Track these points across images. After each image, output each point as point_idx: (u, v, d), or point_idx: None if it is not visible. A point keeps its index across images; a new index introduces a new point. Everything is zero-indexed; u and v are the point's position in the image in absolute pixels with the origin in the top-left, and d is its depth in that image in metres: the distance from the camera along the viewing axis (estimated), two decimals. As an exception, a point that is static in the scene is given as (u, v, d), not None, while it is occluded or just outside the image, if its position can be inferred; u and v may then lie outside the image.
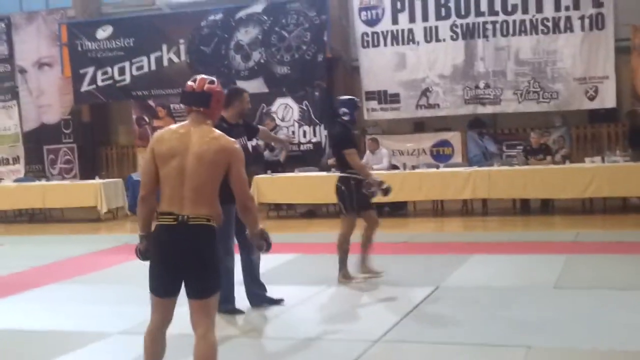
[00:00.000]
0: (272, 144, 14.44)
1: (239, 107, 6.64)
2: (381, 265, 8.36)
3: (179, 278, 3.92)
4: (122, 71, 16.93)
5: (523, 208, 13.44)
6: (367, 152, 13.99)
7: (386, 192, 7.45)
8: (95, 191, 14.36)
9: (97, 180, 14.75)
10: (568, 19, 14.41)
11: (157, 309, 4.05)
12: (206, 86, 4.05)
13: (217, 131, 4.05)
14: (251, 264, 6.64)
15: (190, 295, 3.94)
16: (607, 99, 14.36)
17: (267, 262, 8.73)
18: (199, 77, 4.13)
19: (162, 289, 3.99)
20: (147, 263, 4.02)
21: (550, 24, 14.52)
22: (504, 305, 6.33)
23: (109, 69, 16.98)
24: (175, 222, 3.89)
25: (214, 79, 4.12)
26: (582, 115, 14.99)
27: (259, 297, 6.67)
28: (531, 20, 14.59)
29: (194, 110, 4.05)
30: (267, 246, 4.21)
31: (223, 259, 6.52)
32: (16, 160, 18.03)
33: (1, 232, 14.09)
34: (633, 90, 14.41)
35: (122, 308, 6.58)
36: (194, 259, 3.88)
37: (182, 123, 4.08)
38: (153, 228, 4.04)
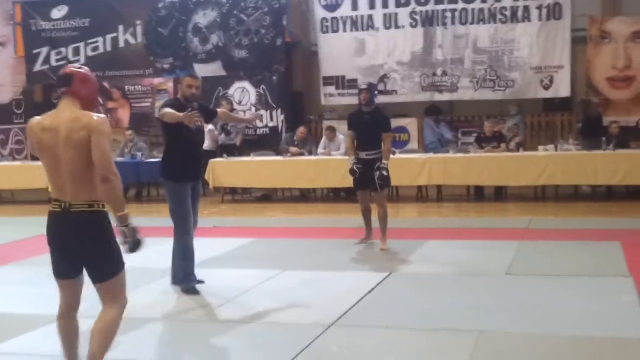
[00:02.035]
0: (230, 124, 14.39)
1: (180, 90, 6.74)
2: (337, 250, 8.40)
3: (73, 262, 3.95)
4: (76, 51, 16.66)
5: (477, 195, 13.57)
6: (324, 138, 13.98)
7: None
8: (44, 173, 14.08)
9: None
10: (526, 8, 14.55)
11: (61, 291, 4.08)
12: (70, 69, 4.10)
13: (82, 111, 3.96)
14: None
15: (90, 278, 4.00)
16: (562, 88, 14.56)
17: (221, 246, 8.74)
18: (67, 65, 4.27)
19: (60, 271, 4.01)
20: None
21: (508, 13, 14.64)
22: (457, 291, 6.39)
23: (63, 49, 16.70)
24: (59, 209, 3.91)
25: (84, 67, 4.20)
26: (536, 104, 15.17)
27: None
28: (489, 9, 14.70)
29: (61, 93, 4.03)
30: (132, 242, 3.97)
31: (181, 239, 6.54)
32: (-34, 139, 17.70)
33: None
34: (587, 80, 14.62)
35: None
36: (82, 246, 3.89)
37: (51, 111, 4.05)
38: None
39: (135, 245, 3.98)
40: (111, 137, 3.97)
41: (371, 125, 8.31)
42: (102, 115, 3.98)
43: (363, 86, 8.60)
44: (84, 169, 3.85)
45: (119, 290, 4.02)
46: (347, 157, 8.77)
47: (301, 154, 13.83)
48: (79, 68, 4.15)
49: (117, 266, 3.99)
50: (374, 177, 8.25)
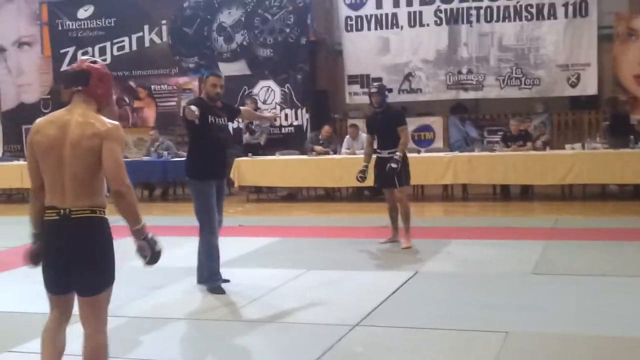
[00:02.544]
0: (254, 123, 14.45)
1: (204, 89, 6.75)
2: (362, 249, 8.40)
3: (68, 274, 3.61)
4: (103, 51, 16.76)
5: (503, 194, 13.48)
6: (347, 137, 13.98)
7: None
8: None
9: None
10: (552, 5, 14.43)
11: (53, 305, 3.75)
12: (86, 64, 3.73)
13: (96, 115, 3.65)
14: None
15: (76, 291, 3.65)
16: (589, 86, 14.43)
17: (246, 245, 8.76)
18: (80, 59, 3.84)
19: (54, 286, 3.69)
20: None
21: (534, 11, 14.53)
22: (483, 291, 6.35)
23: (89, 49, 16.81)
24: (57, 217, 3.57)
25: (98, 60, 3.84)
26: (563, 102, 15.04)
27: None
28: (515, 7, 14.60)
29: (74, 91, 3.69)
30: (151, 256, 3.65)
31: (206, 238, 6.57)
32: (-5, 139, 17.89)
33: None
34: (614, 77, 14.47)
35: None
36: (79, 253, 3.56)
37: (62, 109, 3.71)
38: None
39: (154, 258, 3.67)
40: (124, 145, 3.68)
41: (386, 124, 8.40)
42: (116, 123, 3.64)
43: (373, 89, 8.63)
44: (90, 175, 3.56)
45: (104, 308, 3.68)
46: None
47: (326, 152, 13.82)
48: (94, 62, 3.78)
49: (107, 280, 3.66)
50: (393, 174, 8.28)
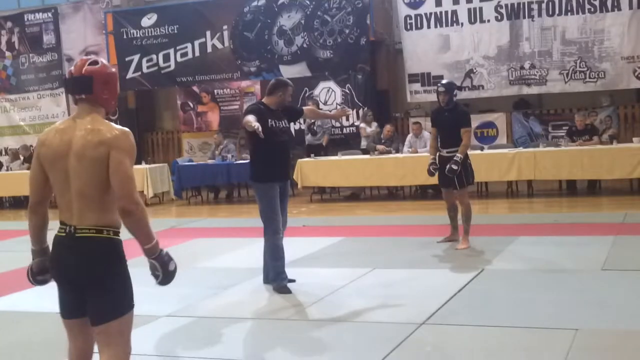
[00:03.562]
0: (317, 124, 14.55)
1: (281, 97, 6.78)
2: (427, 248, 8.38)
3: (78, 297, 3.29)
4: (166, 58, 17.07)
5: (569, 189, 13.27)
6: (410, 135, 13.95)
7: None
8: (141, 176, 14.44)
9: (143, 165, 14.87)
10: (615, -3, 14.14)
11: (69, 334, 3.42)
12: (85, 68, 3.32)
13: (103, 121, 3.31)
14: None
15: (89, 318, 3.32)
16: (656, 77, 14.09)
17: (311, 245, 8.82)
18: (80, 59, 3.42)
19: (64, 308, 3.38)
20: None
21: (597, 3, 14.25)
22: (551, 288, 6.27)
23: (153, 56, 17.14)
24: (64, 234, 3.28)
25: (98, 59, 3.41)
26: (629, 95, 14.74)
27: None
28: (578, 0, 14.34)
29: (78, 99, 3.36)
30: (162, 275, 3.30)
31: (271, 239, 6.65)
32: (64, 147, 18.33)
33: (51, 217, 14.33)
34: (682, 68, 14.10)
35: (167, 291, 6.67)
36: (82, 277, 3.25)
37: (69, 117, 3.42)
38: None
39: (166, 278, 3.32)
40: (134, 154, 3.28)
41: (450, 123, 8.29)
42: (126, 129, 3.30)
43: (441, 88, 8.46)
44: (96, 188, 3.22)
45: (120, 337, 3.31)
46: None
47: (388, 152, 13.81)
48: (94, 63, 3.35)
49: (121, 306, 3.29)
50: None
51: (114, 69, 3.48)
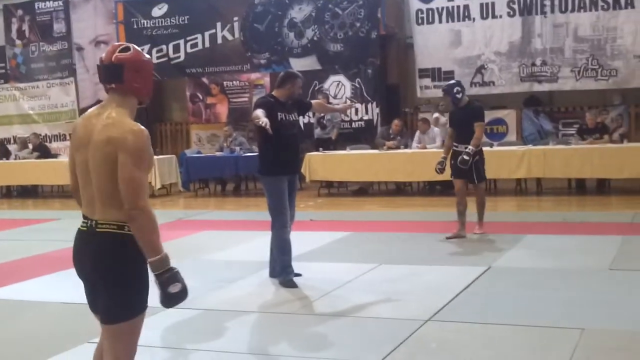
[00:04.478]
0: (326, 117, 14.52)
1: (290, 90, 6.76)
2: (434, 244, 8.35)
3: (93, 292, 3.22)
4: (176, 49, 17.06)
5: (579, 188, 13.21)
6: (418, 132, 13.89)
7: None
8: (149, 167, 14.41)
9: (152, 157, 14.84)
10: (629, -6, 14.04)
11: (100, 327, 3.28)
12: (115, 56, 3.18)
13: (122, 117, 3.14)
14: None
15: (99, 315, 3.21)
16: (668, 76, 13.99)
17: (318, 240, 8.80)
18: (111, 46, 3.28)
19: (89, 303, 3.28)
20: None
21: (610, 0, 14.14)
22: (558, 287, 6.24)
23: (163, 47, 17.13)
24: (86, 228, 3.18)
25: (129, 45, 3.26)
26: (641, 94, 14.64)
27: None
28: (590, -3, 14.26)
29: (109, 88, 3.23)
30: (161, 296, 3.08)
31: (278, 233, 6.63)
32: (73, 136, 18.35)
33: (58, 207, 14.38)
34: (695, 67, 14.00)
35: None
36: (99, 274, 3.13)
37: (97, 106, 3.31)
38: None
39: (166, 301, 3.09)
40: (142, 156, 3.08)
41: (464, 119, 8.58)
42: (138, 129, 3.10)
43: (442, 92, 9.07)
44: (113, 184, 3.07)
45: (122, 340, 3.17)
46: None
47: (397, 147, 13.77)
48: (125, 50, 3.21)
49: (131, 308, 3.14)
50: (471, 168, 8.47)
51: (147, 57, 3.33)
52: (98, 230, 3.11)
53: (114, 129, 3.08)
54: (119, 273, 3.10)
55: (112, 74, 3.19)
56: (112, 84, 3.20)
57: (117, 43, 3.31)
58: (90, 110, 3.30)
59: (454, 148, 8.64)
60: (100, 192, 3.11)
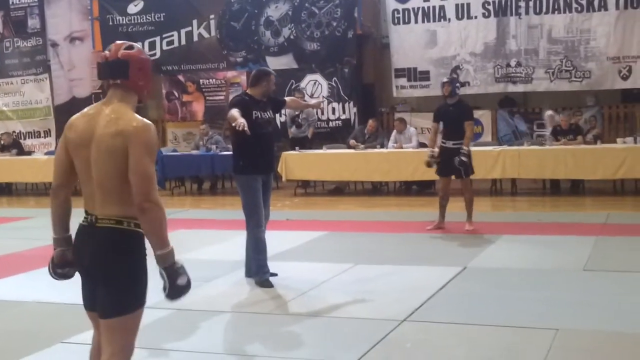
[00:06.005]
0: (301, 116, 14.51)
1: (265, 87, 6.77)
2: (410, 244, 8.38)
3: (93, 288, 3.23)
4: (152, 46, 16.94)
5: (553, 188, 13.31)
6: (394, 132, 13.92)
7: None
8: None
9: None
10: (603, -4, 14.17)
11: (93, 325, 3.34)
12: (121, 52, 3.25)
13: (128, 111, 3.19)
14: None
15: (97, 310, 3.22)
16: (641, 78, 14.13)
17: (294, 239, 8.79)
18: (114, 44, 3.32)
19: (84, 299, 3.31)
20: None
21: (584, 2, 14.24)
22: (533, 287, 6.29)
23: (139, 44, 16.86)
24: (86, 223, 3.23)
25: (134, 44, 3.37)
26: (614, 95, 14.77)
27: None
28: (565, -2, 14.36)
29: (112, 84, 3.26)
30: (169, 289, 3.14)
31: (253, 232, 6.61)
32: (47, 133, 18.17)
33: (32, 205, 14.26)
34: (668, 70, 14.15)
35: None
36: (98, 268, 3.16)
37: (98, 102, 3.33)
38: None
39: (173, 292, 3.16)
40: (154, 149, 3.16)
41: (455, 116, 8.92)
42: (147, 122, 3.15)
43: (445, 79, 9.49)
44: (115, 179, 3.12)
45: (121, 335, 3.18)
46: (425, 150, 9.24)
47: (372, 147, 13.79)
48: (130, 48, 3.30)
49: (129, 303, 3.18)
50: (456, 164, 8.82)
51: (148, 56, 3.41)
52: (97, 225, 3.17)
53: (122, 122, 3.12)
54: (118, 267, 3.14)
55: (117, 69, 3.23)
56: (117, 80, 3.25)
57: (119, 42, 3.36)
58: (87, 108, 3.32)
59: (442, 144, 8.94)
60: (101, 187, 3.15)
